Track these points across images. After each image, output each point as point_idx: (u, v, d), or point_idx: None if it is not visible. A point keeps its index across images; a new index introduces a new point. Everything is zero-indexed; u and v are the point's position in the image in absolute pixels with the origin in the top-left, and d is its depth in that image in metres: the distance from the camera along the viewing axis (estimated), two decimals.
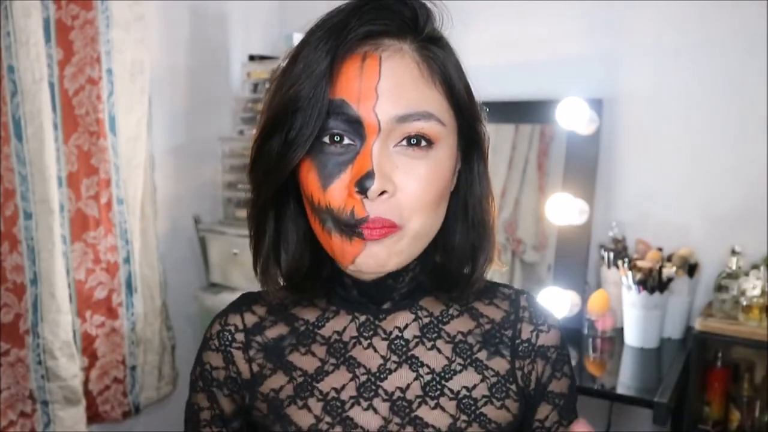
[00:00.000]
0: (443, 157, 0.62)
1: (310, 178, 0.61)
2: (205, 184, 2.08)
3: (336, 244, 0.61)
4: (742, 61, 1.64)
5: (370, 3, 0.60)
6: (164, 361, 1.94)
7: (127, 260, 1.78)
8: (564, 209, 1.75)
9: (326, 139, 0.60)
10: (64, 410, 1.62)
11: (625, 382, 1.49)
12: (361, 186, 0.58)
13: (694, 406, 1.59)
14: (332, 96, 0.59)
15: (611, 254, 1.75)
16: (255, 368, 0.71)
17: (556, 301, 1.73)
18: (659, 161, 1.77)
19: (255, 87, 2.04)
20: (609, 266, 1.76)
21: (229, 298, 1.93)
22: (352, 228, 0.59)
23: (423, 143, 0.60)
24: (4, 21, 1.46)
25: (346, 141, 0.60)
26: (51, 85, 1.58)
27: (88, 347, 1.73)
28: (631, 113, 1.79)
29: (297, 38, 2.23)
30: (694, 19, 1.69)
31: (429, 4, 0.63)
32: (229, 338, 0.72)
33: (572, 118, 1.74)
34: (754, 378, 1.62)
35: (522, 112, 1.87)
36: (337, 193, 0.60)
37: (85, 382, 1.72)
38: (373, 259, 0.61)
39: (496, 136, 1.91)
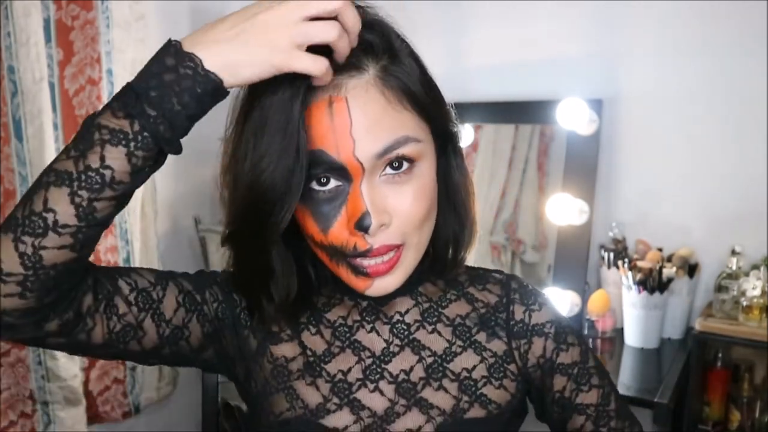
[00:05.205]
0: (426, 168, 0.65)
1: (308, 223, 0.63)
2: (205, 184, 2.08)
3: (344, 276, 0.66)
4: (742, 61, 1.64)
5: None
6: None
7: (127, 260, 1.78)
8: (564, 209, 1.75)
9: (314, 185, 0.62)
10: (64, 411, 1.62)
11: (625, 382, 1.49)
12: (360, 226, 0.61)
13: (694, 407, 1.59)
14: (311, 147, 0.59)
15: (611, 254, 1.75)
16: (275, 327, 0.72)
17: (556, 302, 1.73)
18: (659, 161, 1.77)
19: None
20: (609, 266, 1.76)
21: None
22: (357, 264, 0.63)
23: (405, 165, 0.62)
24: (4, 21, 1.46)
25: (333, 183, 0.62)
26: (51, 86, 1.58)
27: None
28: (631, 113, 1.79)
29: None
30: (694, 19, 1.69)
31: (377, 20, 0.63)
32: None
33: (572, 118, 1.74)
34: (754, 378, 1.62)
35: (522, 112, 1.87)
36: (337, 233, 0.62)
37: (85, 383, 1.72)
38: (382, 289, 0.65)
39: (496, 136, 1.92)
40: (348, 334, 0.71)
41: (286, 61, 0.54)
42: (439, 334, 0.72)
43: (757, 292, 1.49)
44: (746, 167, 1.66)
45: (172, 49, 0.55)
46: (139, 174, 0.56)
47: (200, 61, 0.54)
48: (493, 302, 0.74)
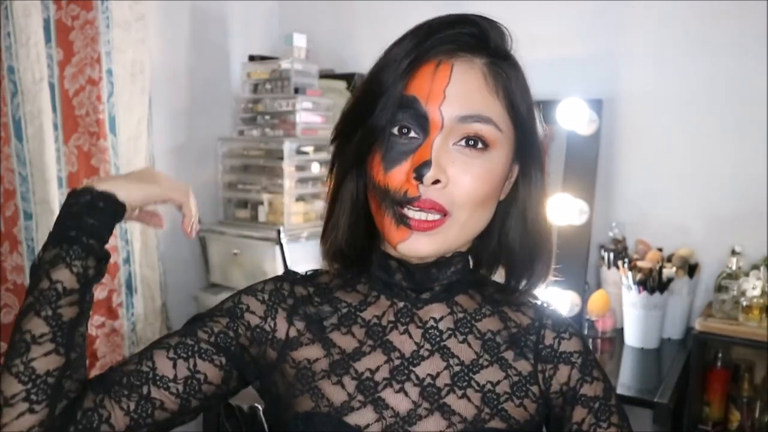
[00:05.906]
0: (497, 160, 0.68)
1: (375, 163, 0.69)
2: (205, 184, 2.08)
3: (386, 224, 0.69)
4: (742, 62, 1.64)
5: (455, 25, 0.69)
6: None
7: (127, 260, 1.78)
8: (564, 209, 1.75)
9: (395, 130, 0.68)
10: None
11: (625, 382, 1.49)
12: (418, 172, 0.65)
13: (694, 407, 1.59)
14: (406, 92, 0.67)
15: (611, 254, 1.76)
16: (293, 333, 0.74)
17: (556, 302, 1.73)
18: (659, 161, 1.77)
19: (255, 87, 2.04)
20: (609, 266, 1.77)
21: None
22: (402, 214, 0.67)
23: (479, 145, 0.67)
24: (4, 21, 1.46)
25: (412, 134, 0.67)
26: (51, 86, 1.58)
27: (88, 347, 1.73)
28: (631, 113, 1.79)
29: (297, 38, 2.23)
30: (694, 19, 1.69)
31: (503, 27, 0.73)
32: (280, 298, 0.76)
33: (572, 118, 1.74)
34: (754, 378, 1.62)
35: None
36: (396, 177, 0.67)
37: None
38: (414, 249, 0.68)
39: None
40: (381, 334, 0.73)
41: (166, 195, 0.81)
42: (469, 345, 0.74)
43: (757, 292, 1.49)
44: (746, 167, 1.66)
45: (79, 190, 0.70)
46: (86, 278, 0.67)
47: (93, 187, 0.70)
48: (525, 324, 0.77)
